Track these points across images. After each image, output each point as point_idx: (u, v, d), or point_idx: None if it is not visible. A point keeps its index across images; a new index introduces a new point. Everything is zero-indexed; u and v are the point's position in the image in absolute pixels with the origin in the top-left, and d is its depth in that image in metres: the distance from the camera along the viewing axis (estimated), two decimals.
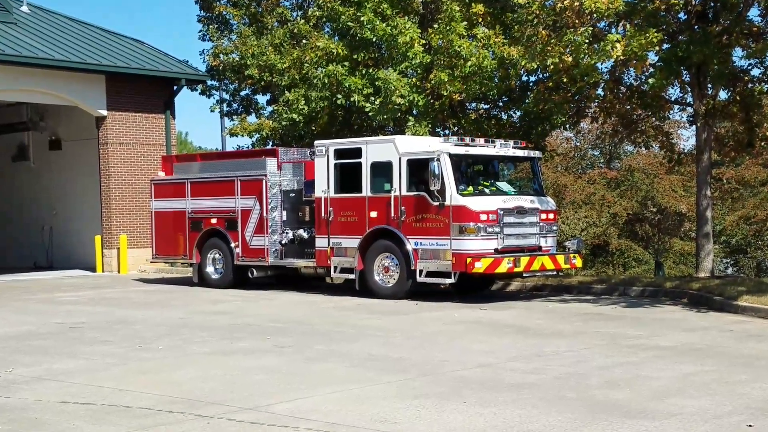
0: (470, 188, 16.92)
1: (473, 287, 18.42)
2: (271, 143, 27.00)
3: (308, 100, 23.34)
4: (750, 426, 7.28)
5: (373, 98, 22.05)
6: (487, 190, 17.34)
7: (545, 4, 18.59)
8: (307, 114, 23.51)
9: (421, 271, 16.75)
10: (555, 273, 18.41)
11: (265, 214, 19.51)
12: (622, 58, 18.13)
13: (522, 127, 22.91)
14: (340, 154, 18.25)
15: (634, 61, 18.58)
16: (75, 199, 28.59)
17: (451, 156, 16.55)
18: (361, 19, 22.01)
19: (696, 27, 19.06)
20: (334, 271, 18.34)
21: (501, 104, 23.99)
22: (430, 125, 21.87)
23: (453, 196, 16.32)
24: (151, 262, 24.88)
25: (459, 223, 16.19)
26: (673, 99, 22.68)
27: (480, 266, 15.91)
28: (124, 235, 26.72)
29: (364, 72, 22.54)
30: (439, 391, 8.88)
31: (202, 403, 8.38)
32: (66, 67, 25.30)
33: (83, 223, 27.99)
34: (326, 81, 22.64)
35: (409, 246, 16.82)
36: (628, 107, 22.03)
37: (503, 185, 17.89)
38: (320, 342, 12.51)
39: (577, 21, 18.39)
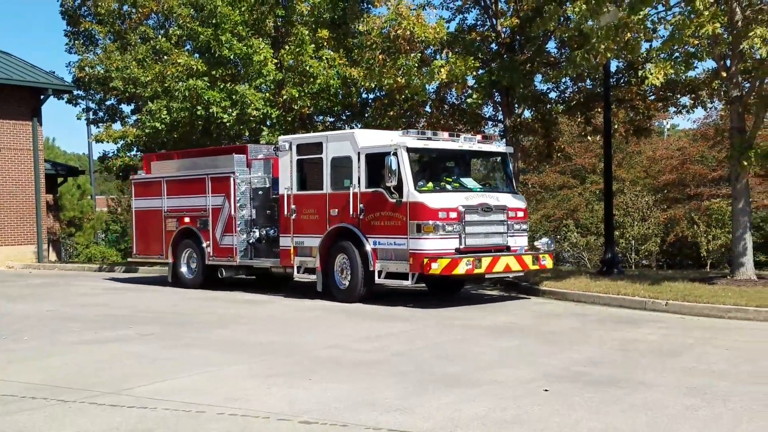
0: (429, 184, 14.31)
1: (446, 289, 16.17)
2: (135, 149, 26.45)
3: (170, 110, 22.93)
4: (546, 390, 7.85)
5: (230, 110, 21.96)
6: (449, 187, 14.60)
7: (382, 31, 19.46)
8: (169, 123, 23.12)
9: (380, 272, 14.26)
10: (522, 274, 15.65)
11: (233, 213, 17.17)
12: (445, 80, 19.12)
13: None
14: (301, 149, 15.77)
15: (456, 84, 19.71)
16: None
17: (409, 150, 14.06)
18: (220, 38, 21.95)
19: (505, 56, 20.06)
20: (298, 272, 15.76)
21: (344, 117, 24.35)
22: (282, 135, 21.92)
23: (410, 193, 13.77)
24: (130, 261, 23.00)
25: (416, 221, 13.64)
26: (487, 116, 23.62)
27: (437, 267, 13.38)
28: None
29: (222, 86, 22.39)
30: (291, 370, 8.89)
31: (66, 389, 8.02)
32: None
33: None
34: (187, 94, 22.33)
35: (368, 246, 14.30)
36: (451, 122, 22.89)
37: (468, 182, 15.03)
38: (190, 330, 12.09)
39: (408, 48, 19.37)
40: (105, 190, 41.56)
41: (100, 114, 29.31)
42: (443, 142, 14.77)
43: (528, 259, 14.56)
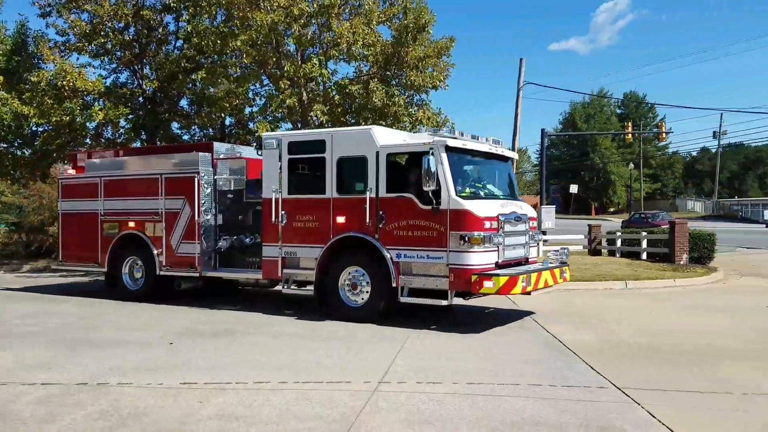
0: (467, 190, 8.65)
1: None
2: None
3: None
4: (171, 343, 7.44)
5: None
6: (481, 193, 8.92)
7: (50, 82, 17.09)
8: None
9: (402, 289, 8.54)
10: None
11: (196, 218, 10.58)
12: (103, 121, 17.48)
13: (32, 161, 20.19)
14: (295, 147, 9.51)
15: (111, 124, 18.12)
16: None
17: (449, 149, 8.44)
18: None
19: (149, 107, 18.78)
20: (286, 285, 9.52)
21: (16, 144, 20.62)
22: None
23: (452, 199, 8.24)
24: (57, 266, 13.30)
25: (460, 232, 8.13)
26: None
27: (491, 286, 7.95)
28: None
29: None
30: None
31: None
32: None
33: None
34: None
35: (389, 257, 8.58)
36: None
37: (493, 188, 9.34)
38: None
39: (72, 95, 17.23)
40: None
41: None
42: (476, 143, 9.11)
43: (557, 273, 9.19)
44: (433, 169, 8.13)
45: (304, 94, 15.86)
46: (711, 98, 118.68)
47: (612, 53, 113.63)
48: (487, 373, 6.11)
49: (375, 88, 15.17)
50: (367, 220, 8.73)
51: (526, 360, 6.71)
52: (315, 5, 15.28)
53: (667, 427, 4.63)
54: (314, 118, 15.76)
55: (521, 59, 23.23)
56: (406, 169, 8.72)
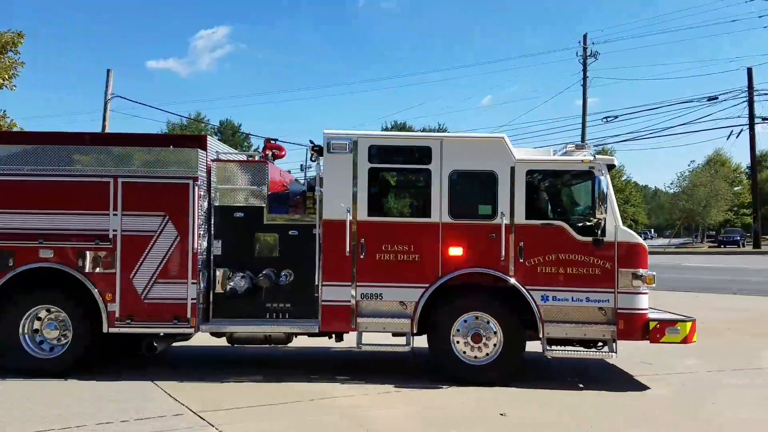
0: None
1: None
2: None
3: None
4: None
5: None
6: None
7: None
8: None
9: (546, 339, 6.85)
10: None
11: (191, 245, 6.66)
12: None
13: None
14: (383, 154, 7.03)
15: None
16: None
17: (610, 170, 7.05)
18: None
19: None
20: (360, 339, 6.86)
21: None
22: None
23: (620, 229, 6.89)
24: None
25: (633, 269, 6.78)
26: None
27: (677, 334, 6.76)
28: None
29: None
30: None
31: None
32: None
33: None
34: None
35: (535, 302, 6.80)
36: None
37: None
38: None
39: None
40: None
41: None
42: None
43: None
44: (605, 192, 6.87)
45: None
46: (305, 135, 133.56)
47: (211, 79, 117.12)
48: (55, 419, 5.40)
49: None
50: (502, 253, 6.94)
51: (98, 396, 6.14)
52: None
53: None
54: None
55: (108, 70, 22.66)
56: (552, 192, 7.39)
